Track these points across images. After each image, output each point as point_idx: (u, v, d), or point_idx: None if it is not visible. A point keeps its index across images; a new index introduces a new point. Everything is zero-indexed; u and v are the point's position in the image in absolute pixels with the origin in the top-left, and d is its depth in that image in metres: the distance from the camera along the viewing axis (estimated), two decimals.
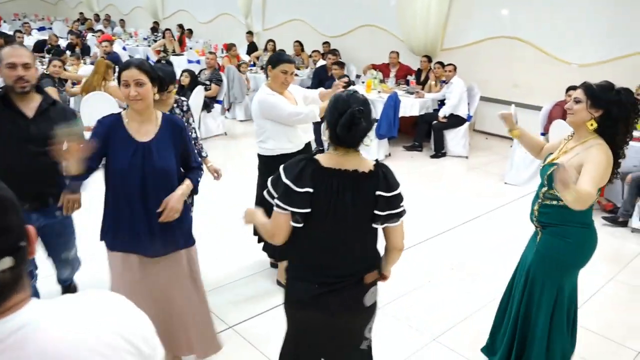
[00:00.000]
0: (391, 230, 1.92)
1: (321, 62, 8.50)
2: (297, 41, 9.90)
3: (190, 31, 12.83)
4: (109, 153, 2.25)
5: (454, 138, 6.95)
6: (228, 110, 8.52)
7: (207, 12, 13.46)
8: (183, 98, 3.28)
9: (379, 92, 7.12)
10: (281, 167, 1.86)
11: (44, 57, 8.56)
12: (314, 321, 1.94)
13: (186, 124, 3.27)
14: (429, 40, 8.29)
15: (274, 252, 3.55)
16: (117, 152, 2.24)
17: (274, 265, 3.75)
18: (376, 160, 1.90)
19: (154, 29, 13.72)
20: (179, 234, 2.41)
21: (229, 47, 9.48)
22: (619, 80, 7.08)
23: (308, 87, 7.96)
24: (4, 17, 16.37)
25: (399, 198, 1.86)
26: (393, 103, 6.49)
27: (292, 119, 3.15)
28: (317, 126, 6.76)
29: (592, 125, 2.18)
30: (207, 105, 7.07)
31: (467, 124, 6.95)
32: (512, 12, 7.61)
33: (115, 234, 2.33)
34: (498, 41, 7.77)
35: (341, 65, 7.44)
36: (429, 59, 7.94)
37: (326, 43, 9.84)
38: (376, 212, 1.83)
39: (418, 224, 4.71)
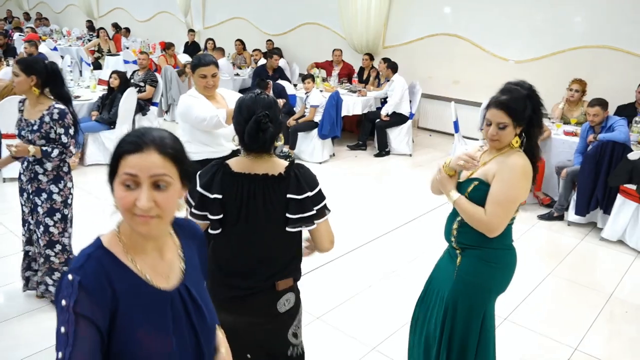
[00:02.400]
0: (313, 233, 1.86)
1: (262, 61, 8.30)
2: (238, 40, 9.65)
3: (128, 30, 12.30)
4: (114, 334, 1.08)
5: (398, 136, 6.93)
6: (167, 112, 8.19)
7: (145, 10, 12.97)
8: (58, 105, 2.93)
9: (321, 90, 7.01)
10: (198, 173, 1.80)
11: None
12: (235, 323, 1.89)
13: (58, 135, 2.92)
14: (371, 38, 8.26)
15: None
16: (142, 326, 1.11)
17: None
18: (290, 162, 1.82)
19: (91, 27, 13.09)
20: None
21: (167, 47, 9.10)
22: (552, 76, 7.22)
23: (249, 88, 7.79)
24: None
25: (313, 200, 1.78)
26: (335, 102, 6.38)
27: (198, 124, 2.96)
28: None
29: (517, 142, 1.99)
30: (142, 108, 6.73)
31: (409, 122, 6.94)
32: (450, 9, 7.67)
33: None
34: (438, 38, 7.82)
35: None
36: (371, 57, 7.90)
37: (270, 41, 9.65)
38: (288, 215, 1.77)
39: (361, 226, 4.63)
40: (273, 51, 8.40)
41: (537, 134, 2.00)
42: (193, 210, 1.78)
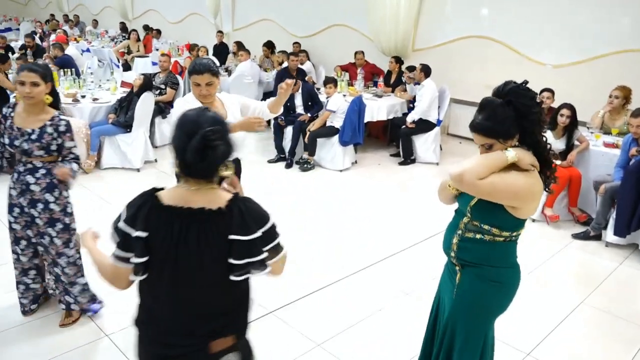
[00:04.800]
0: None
1: (285, 64, 8.11)
2: (265, 44, 9.47)
3: (159, 31, 12.37)
4: None
5: (424, 144, 6.59)
6: None
7: (177, 12, 13.03)
8: (62, 117, 2.81)
9: (345, 95, 6.75)
10: (126, 204, 1.50)
11: None
12: None
13: (64, 147, 2.80)
14: (399, 40, 7.94)
15: None
16: None
17: None
18: (234, 194, 1.51)
19: (124, 28, 13.24)
20: None
21: (192, 48, 9.04)
22: (592, 82, 6.72)
23: (272, 92, 7.59)
24: None
25: (264, 240, 1.48)
26: (357, 108, 6.11)
27: None
28: (277, 129, 6.40)
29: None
30: (162, 111, 6.64)
31: (437, 129, 6.59)
32: (484, 11, 7.28)
33: None
34: (470, 41, 7.44)
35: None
36: (397, 60, 7.58)
37: (296, 43, 9.45)
38: (231, 261, 1.44)
39: (381, 240, 4.32)
40: (295, 52, 8.17)
41: (536, 133, 1.84)
42: (116, 250, 1.48)
